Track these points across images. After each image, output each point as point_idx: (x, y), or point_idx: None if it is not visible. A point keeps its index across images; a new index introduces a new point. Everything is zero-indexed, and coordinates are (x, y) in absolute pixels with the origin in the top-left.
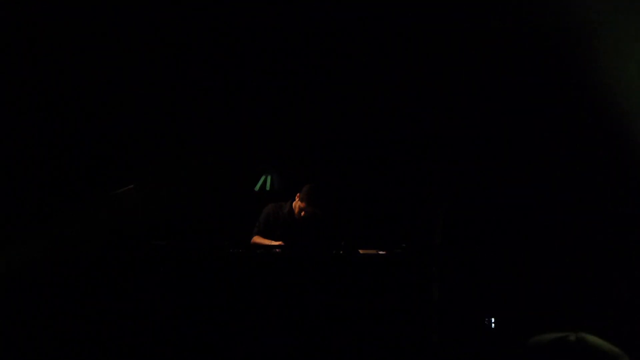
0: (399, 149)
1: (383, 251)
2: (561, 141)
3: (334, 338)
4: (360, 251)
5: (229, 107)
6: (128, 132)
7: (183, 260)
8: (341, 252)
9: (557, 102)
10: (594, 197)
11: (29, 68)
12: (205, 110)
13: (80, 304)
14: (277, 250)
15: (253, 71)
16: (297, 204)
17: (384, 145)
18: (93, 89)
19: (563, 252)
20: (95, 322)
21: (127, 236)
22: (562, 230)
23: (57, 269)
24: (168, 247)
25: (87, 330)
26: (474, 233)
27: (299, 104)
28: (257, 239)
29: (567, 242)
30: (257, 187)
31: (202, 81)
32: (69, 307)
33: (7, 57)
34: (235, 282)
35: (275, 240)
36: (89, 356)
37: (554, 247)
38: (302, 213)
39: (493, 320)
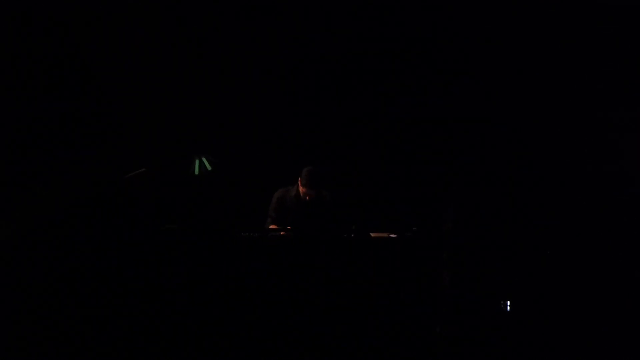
0: (412, 132)
1: (394, 234)
2: (574, 127)
3: (342, 321)
4: (372, 234)
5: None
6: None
7: (195, 244)
8: (352, 235)
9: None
10: (610, 182)
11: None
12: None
13: (91, 288)
14: (289, 232)
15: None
16: (300, 188)
17: (397, 128)
18: None
19: (578, 236)
20: (106, 305)
21: (139, 219)
22: (577, 215)
23: (69, 252)
24: (180, 231)
25: (98, 314)
26: (486, 217)
27: (313, 86)
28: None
29: (582, 226)
30: (196, 172)
31: None
32: (79, 291)
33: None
34: (246, 265)
35: (286, 225)
36: (101, 337)
37: (569, 232)
38: (307, 197)
39: (509, 303)
